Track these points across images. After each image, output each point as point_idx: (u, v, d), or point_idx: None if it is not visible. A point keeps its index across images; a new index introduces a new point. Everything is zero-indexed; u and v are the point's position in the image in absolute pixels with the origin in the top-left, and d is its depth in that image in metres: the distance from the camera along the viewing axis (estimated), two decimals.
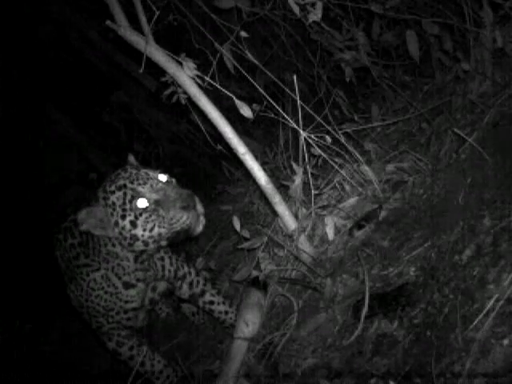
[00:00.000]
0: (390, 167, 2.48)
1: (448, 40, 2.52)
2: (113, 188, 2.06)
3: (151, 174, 2.09)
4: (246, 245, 2.40)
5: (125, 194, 2.04)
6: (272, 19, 2.84)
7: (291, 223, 2.35)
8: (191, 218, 2.08)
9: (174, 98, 2.33)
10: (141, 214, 2.04)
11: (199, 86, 2.17)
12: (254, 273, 2.31)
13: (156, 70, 2.22)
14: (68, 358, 3.74)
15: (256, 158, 2.28)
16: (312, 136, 2.24)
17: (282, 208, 2.32)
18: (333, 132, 2.34)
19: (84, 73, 4.70)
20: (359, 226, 2.34)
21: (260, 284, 2.39)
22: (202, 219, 2.14)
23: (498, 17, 2.37)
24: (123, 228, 2.06)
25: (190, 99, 2.23)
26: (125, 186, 2.05)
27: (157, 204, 2.05)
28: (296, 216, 2.40)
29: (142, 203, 2.03)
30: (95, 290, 2.26)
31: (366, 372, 1.72)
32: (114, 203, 2.05)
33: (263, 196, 2.45)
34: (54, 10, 4.29)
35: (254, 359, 2.19)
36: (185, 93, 2.24)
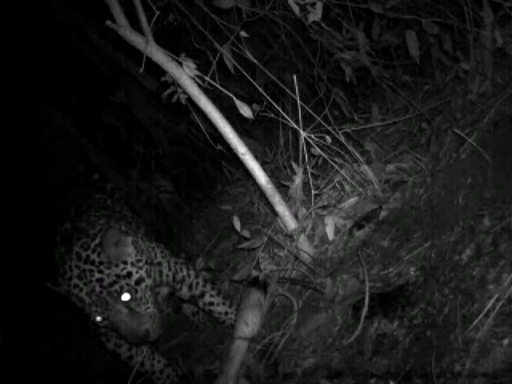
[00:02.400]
0: (390, 167, 2.48)
1: (448, 40, 2.52)
2: (75, 292, 2.08)
3: (111, 302, 2.07)
4: (245, 245, 2.40)
5: (83, 307, 2.11)
6: (272, 19, 2.83)
7: (291, 223, 2.35)
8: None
9: (174, 98, 2.32)
10: (97, 323, 2.14)
11: (199, 85, 2.17)
12: (254, 273, 2.31)
13: (156, 70, 2.22)
14: (68, 358, 3.74)
15: (256, 158, 2.28)
16: (312, 136, 2.24)
17: (281, 208, 2.32)
18: (333, 132, 2.34)
19: (84, 73, 4.69)
20: (359, 226, 2.34)
21: (260, 284, 2.38)
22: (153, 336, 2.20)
23: (498, 17, 2.36)
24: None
25: (190, 99, 2.23)
26: (84, 302, 2.08)
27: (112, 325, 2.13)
28: (296, 216, 2.40)
29: (98, 319, 2.11)
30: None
31: (366, 372, 1.72)
32: (74, 303, 2.13)
33: (263, 196, 2.45)
34: (54, 9, 4.29)
35: (253, 359, 2.19)
36: (185, 93, 2.23)
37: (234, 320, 2.48)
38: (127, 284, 2.08)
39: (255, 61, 2.43)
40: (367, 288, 1.93)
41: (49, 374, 3.54)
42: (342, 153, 2.49)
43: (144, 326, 2.11)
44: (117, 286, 2.06)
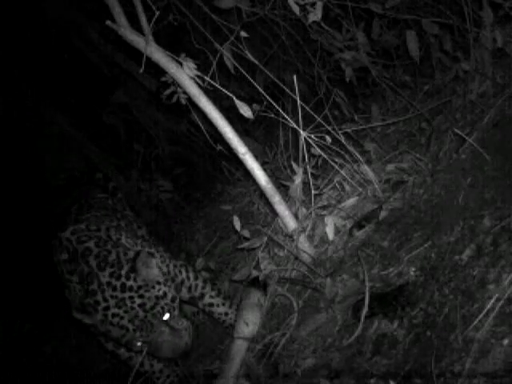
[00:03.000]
0: (390, 167, 2.48)
1: (448, 40, 2.52)
2: (114, 321, 2.07)
3: (155, 323, 2.09)
4: (245, 245, 2.40)
5: (124, 335, 2.10)
6: (272, 19, 2.83)
7: (291, 223, 2.35)
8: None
9: (174, 98, 2.32)
10: (132, 347, 2.16)
11: (199, 86, 2.17)
12: (254, 273, 2.31)
13: (156, 70, 2.22)
14: (68, 358, 3.74)
15: (256, 158, 2.28)
16: (312, 136, 2.24)
17: (281, 208, 2.32)
18: (333, 132, 2.34)
19: (84, 73, 4.69)
20: (359, 226, 2.34)
21: (260, 284, 2.39)
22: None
23: (498, 17, 2.36)
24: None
25: (190, 99, 2.23)
26: (127, 329, 2.08)
27: (150, 345, 2.14)
28: (296, 216, 2.39)
29: (138, 344, 2.13)
30: None
31: (366, 372, 1.72)
32: (109, 331, 2.10)
33: (263, 196, 2.45)
34: (54, 9, 4.29)
35: (253, 359, 2.19)
36: (185, 93, 2.23)
37: (234, 320, 2.48)
38: (166, 304, 2.12)
39: (255, 61, 2.43)
40: (367, 288, 1.93)
41: (49, 374, 3.54)
42: (342, 153, 2.49)
43: (184, 340, 2.15)
44: (158, 308, 2.09)
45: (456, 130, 2.24)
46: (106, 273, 2.11)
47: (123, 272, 2.10)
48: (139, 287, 2.09)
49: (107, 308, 2.05)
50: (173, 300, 2.16)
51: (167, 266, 2.42)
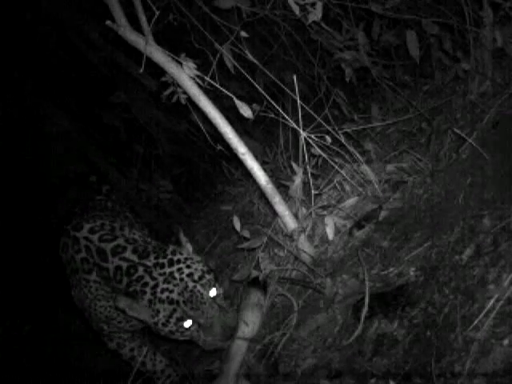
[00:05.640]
0: (390, 167, 2.48)
1: (448, 40, 2.52)
2: (163, 297, 2.04)
3: (205, 294, 2.08)
4: (245, 245, 2.40)
5: (174, 310, 2.05)
6: (272, 19, 2.83)
7: (291, 223, 2.35)
8: (223, 346, 2.18)
9: (174, 98, 2.33)
10: (182, 329, 2.09)
11: (199, 85, 2.17)
12: (254, 273, 2.31)
13: (156, 70, 2.22)
14: (68, 358, 3.74)
15: (256, 158, 2.28)
16: (312, 136, 2.24)
17: (282, 208, 2.32)
18: (333, 132, 2.34)
19: (84, 73, 4.69)
20: (359, 226, 2.34)
21: (260, 284, 2.39)
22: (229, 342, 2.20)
23: (498, 17, 2.36)
24: (160, 327, 2.10)
25: (189, 99, 2.23)
26: (177, 303, 2.05)
27: (200, 326, 2.10)
28: (296, 216, 2.40)
29: (188, 323, 2.08)
30: (101, 300, 2.28)
31: (366, 372, 1.72)
32: (158, 311, 2.05)
33: (263, 196, 2.45)
34: (54, 9, 4.29)
35: (254, 359, 2.19)
36: (185, 93, 2.24)
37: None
38: (211, 279, 2.14)
39: (255, 61, 2.43)
40: (367, 288, 1.93)
41: (49, 374, 3.54)
42: (342, 153, 2.49)
43: (234, 320, 2.15)
44: (205, 280, 2.10)
45: (456, 130, 2.24)
46: (150, 257, 2.13)
47: (169, 251, 2.13)
48: (186, 258, 2.12)
49: (156, 285, 2.05)
50: (216, 279, 2.18)
51: None
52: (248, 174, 2.39)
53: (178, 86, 2.23)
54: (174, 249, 2.16)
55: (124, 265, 2.16)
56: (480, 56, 2.39)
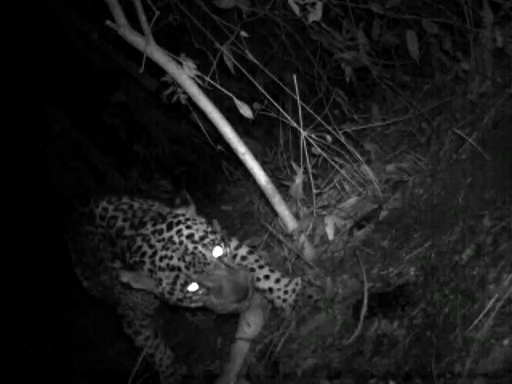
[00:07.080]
0: (390, 167, 2.48)
1: (448, 40, 2.52)
2: (163, 265, 1.89)
3: (208, 254, 1.91)
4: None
5: (177, 276, 1.89)
6: (272, 19, 2.84)
7: (291, 223, 2.35)
8: (239, 308, 1.98)
9: (174, 98, 2.33)
10: (189, 294, 1.94)
11: (199, 86, 2.17)
12: None
13: (156, 70, 2.22)
14: (68, 358, 3.75)
15: (256, 157, 2.28)
16: (312, 136, 2.24)
17: (282, 208, 2.32)
18: (333, 132, 2.34)
19: (84, 73, 4.69)
20: (359, 226, 2.34)
21: None
22: (248, 304, 2.00)
23: (498, 17, 2.37)
24: (167, 296, 1.96)
25: (190, 99, 2.23)
26: (179, 268, 1.88)
27: (209, 290, 1.94)
28: (296, 216, 2.40)
29: (193, 287, 1.92)
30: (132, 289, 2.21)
31: (365, 372, 1.72)
32: (161, 280, 1.91)
33: (263, 196, 2.45)
34: (54, 10, 4.29)
35: (254, 359, 2.19)
36: (185, 93, 2.24)
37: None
38: (216, 238, 1.96)
39: (255, 61, 2.43)
40: (366, 288, 1.93)
41: (49, 374, 3.54)
42: (342, 153, 2.49)
43: (246, 280, 1.94)
44: (208, 239, 1.93)
45: (456, 130, 2.24)
46: (148, 226, 1.99)
47: (170, 215, 1.99)
48: (187, 219, 1.97)
49: (154, 253, 1.90)
50: (222, 239, 2.00)
51: None
52: (248, 174, 2.39)
53: (178, 85, 2.23)
54: (176, 212, 2.00)
55: (124, 242, 2.05)
56: (480, 56, 2.39)
